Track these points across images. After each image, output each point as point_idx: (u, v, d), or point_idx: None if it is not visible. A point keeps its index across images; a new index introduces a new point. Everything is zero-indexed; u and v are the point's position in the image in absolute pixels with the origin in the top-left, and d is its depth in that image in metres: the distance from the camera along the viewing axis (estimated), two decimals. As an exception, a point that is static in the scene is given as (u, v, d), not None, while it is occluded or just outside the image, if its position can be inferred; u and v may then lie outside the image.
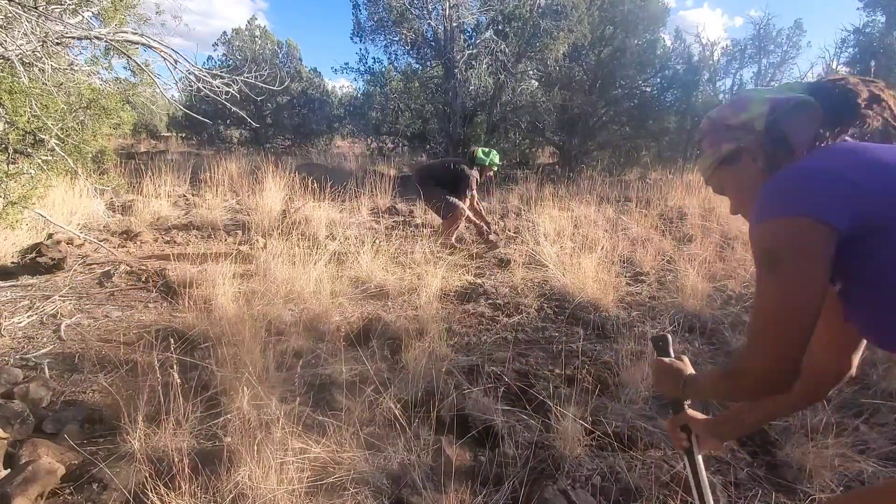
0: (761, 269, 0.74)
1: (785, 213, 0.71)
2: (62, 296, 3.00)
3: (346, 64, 12.45)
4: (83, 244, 4.05)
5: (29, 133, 3.37)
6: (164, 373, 1.79)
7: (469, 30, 9.05)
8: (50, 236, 3.99)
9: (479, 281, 3.57)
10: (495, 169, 4.92)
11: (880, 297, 0.72)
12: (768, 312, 0.74)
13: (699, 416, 1.09)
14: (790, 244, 0.71)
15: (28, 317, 2.73)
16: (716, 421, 1.08)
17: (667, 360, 1.05)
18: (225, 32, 13.09)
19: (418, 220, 5.55)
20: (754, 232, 0.76)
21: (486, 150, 4.84)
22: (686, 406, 1.10)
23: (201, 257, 3.46)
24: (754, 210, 0.76)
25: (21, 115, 3.12)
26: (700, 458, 1.08)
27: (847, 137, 0.83)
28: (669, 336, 1.13)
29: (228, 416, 1.78)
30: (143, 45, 3.39)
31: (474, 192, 4.75)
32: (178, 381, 1.63)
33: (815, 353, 0.92)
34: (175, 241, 4.55)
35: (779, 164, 0.82)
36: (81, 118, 3.71)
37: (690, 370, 1.02)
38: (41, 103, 3.26)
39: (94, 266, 3.69)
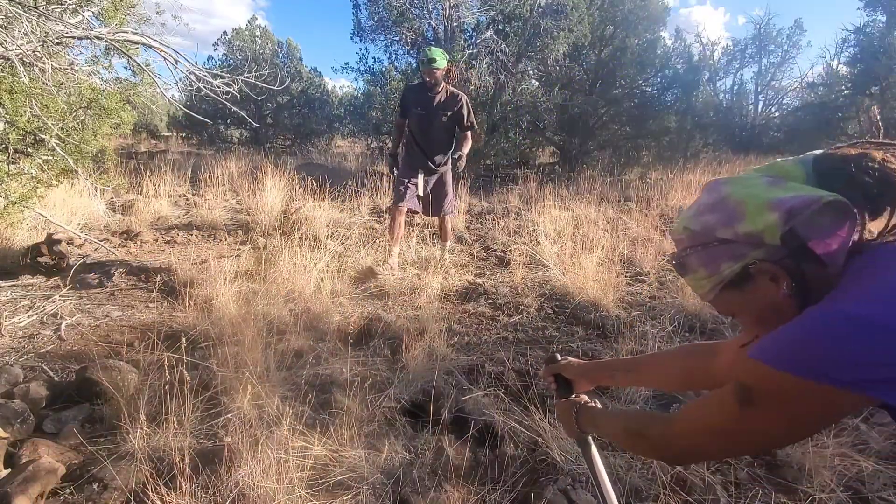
0: (733, 393, 0.63)
1: (797, 371, 0.57)
2: (62, 296, 3.00)
3: (347, 64, 12.43)
4: (83, 244, 4.06)
5: (29, 133, 3.37)
6: (164, 373, 1.79)
7: (469, 29, 9.05)
8: (50, 236, 4.00)
9: (479, 281, 3.57)
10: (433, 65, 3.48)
11: None
12: (709, 429, 0.67)
13: (575, 361, 1.11)
14: (780, 403, 0.59)
15: (28, 316, 2.73)
16: (590, 366, 1.10)
17: (563, 399, 1.05)
18: (225, 32, 13.09)
19: (418, 220, 5.55)
20: (748, 364, 0.62)
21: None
22: (560, 358, 1.13)
23: (201, 257, 3.46)
24: (766, 343, 0.61)
25: (21, 115, 3.12)
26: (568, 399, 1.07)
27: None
28: (557, 355, 1.15)
29: (229, 415, 1.78)
30: (143, 44, 3.39)
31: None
32: (188, 379, 1.63)
33: (729, 351, 0.89)
34: (175, 241, 4.55)
35: (812, 283, 0.64)
36: (82, 118, 3.71)
37: (586, 400, 1.01)
38: (41, 103, 3.27)
39: (95, 266, 3.69)
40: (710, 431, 0.67)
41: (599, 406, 0.99)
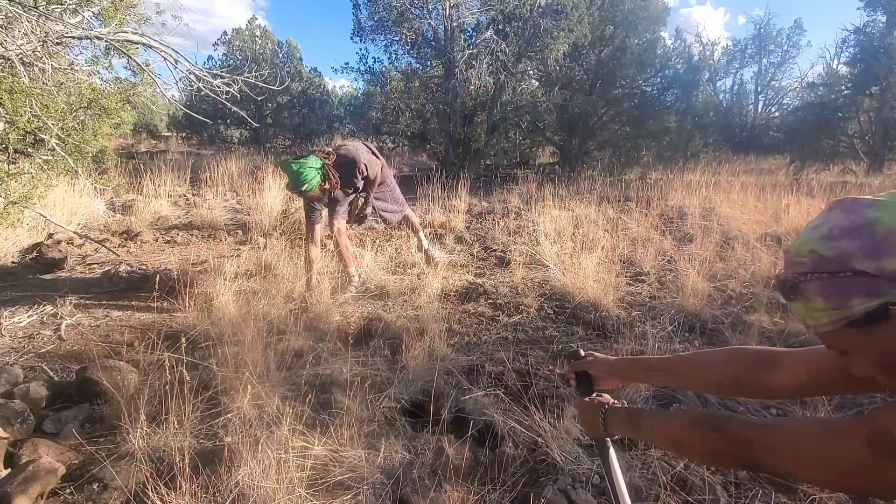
0: (867, 438, 0.58)
1: None
2: (62, 295, 3.00)
3: (347, 64, 12.42)
4: (83, 244, 4.06)
5: (29, 133, 3.37)
6: (164, 373, 1.79)
7: (469, 29, 9.05)
8: (50, 236, 4.00)
9: (479, 281, 3.57)
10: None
11: None
12: (828, 462, 0.61)
13: (601, 357, 1.06)
14: None
15: (28, 316, 2.73)
16: (622, 363, 1.04)
17: (587, 398, 1.00)
18: (225, 32, 13.08)
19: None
20: None
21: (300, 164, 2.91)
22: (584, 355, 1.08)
23: (201, 257, 3.46)
24: None
25: (21, 115, 3.12)
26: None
27: None
28: (580, 350, 1.09)
29: (229, 415, 1.78)
30: (143, 44, 3.39)
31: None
32: (188, 378, 1.63)
33: (795, 365, 0.84)
34: (175, 241, 4.55)
35: None
36: (82, 118, 3.71)
37: (612, 401, 0.96)
38: (41, 103, 3.27)
39: (95, 266, 3.69)
40: (822, 461, 0.61)
41: (629, 406, 0.95)
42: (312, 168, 2.90)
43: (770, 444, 0.65)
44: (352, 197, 3.37)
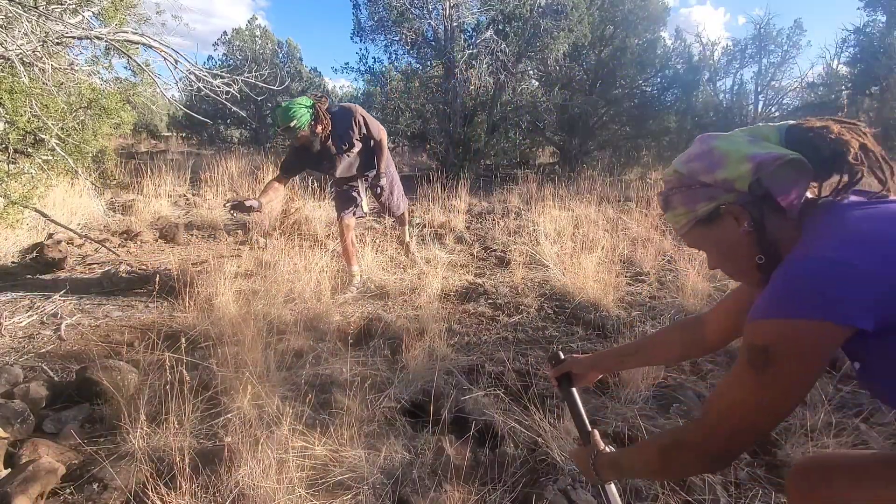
0: (749, 363, 0.71)
1: (801, 314, 0.66)
2: (62, 295, 3.00)
3: (347, 64, 12.44)
4: (83, 244, 4.06)
5: (29, 133, 3.37)
6: (164, 373, 1.79)
7: (469, 29, 9.05)
8: (50, 236, 4.00)
9: (479, 281, 3.57)
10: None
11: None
12: (741, 405, 0.72)
13: (580, 356, 1.21)
14: (795, 348, 0.67)
15: (28, 316, 2.73)
16: (599, 356, 1.20)
17: (576, 448, 1.10)
18: (225, 32, 13.10)
19: (418, 220, 5.55)
20: (754, 327, 0.71)
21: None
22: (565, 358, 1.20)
23: (201, 257, 3.46)
24: (763, 303, 0.71)
25: (21, 115, 3.13)
26: (574, 391, 1.16)
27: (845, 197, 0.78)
28: (560, 353, 1.17)
29: (229, 415, 1.78)
30: (143, 44, 3.39)
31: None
32: (188, 379, 1.62)
33: (715, 319, 1.03)
34: (175, 241, 4.55)
35: (768, 224, 0.78)
36: (82, 118, 3.71)
37: (601, 445, 1.04)
38: (41, 103, 3.27)
39: (95, 266, 3.69)
40: (743, 405, 0.71)
41: (614, 450, 1.01)
42: (302, 105, 2.81)
43: (714, 422, 0.75)
44: (353, 163, 3.12)
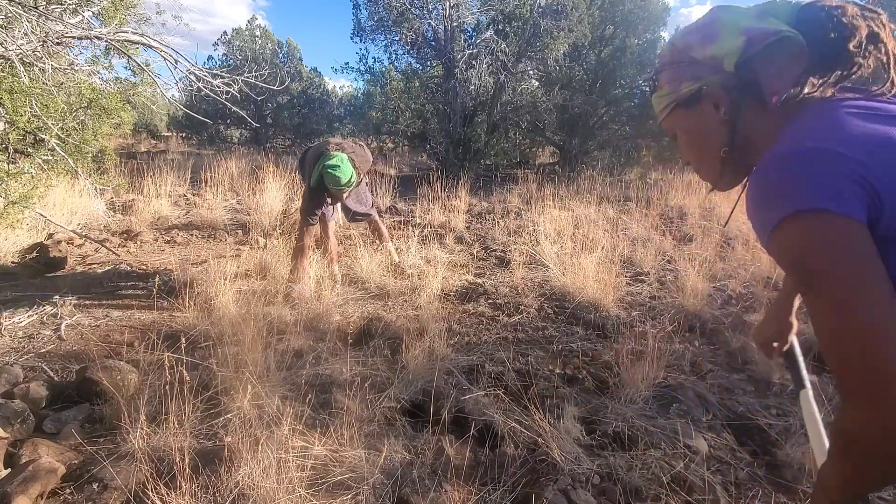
0: (804, 288, 0.59)
1: (800, 205, 0.57)
2: (62, 295, 3.00)
3: (347, 64, 12.43)
4: (83, 244, 4.06)
5: (29, 133, 3.37)
6: (164, 373, 1.79)
7: (469, 29, 9.05)
8: (50, 236, 4.00)
9: (479, 281, 3.57)
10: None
11: None
12: (848, 335, 0.54)
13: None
14: (820, 240, 0.56)
15: (28, 317, 2.73)
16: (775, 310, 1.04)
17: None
18: (225, 32, 13.08)
19: (418, 220, 5.55)
20: (772, 244, 0.61)
21: (335, 164, 3.00)
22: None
23: (202, 257, 3.46)
24: (762, 214, 0.62)
25: (21, 115, 3.12)
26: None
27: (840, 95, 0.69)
28: (796, 348, 1.00)
29: (229, 415, 1.78)
30: (143, 44, 3.39)
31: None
32: (188, 379, 1.62)
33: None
34: (175, 241, 4.55)
35: (744, 116, 0.72)
36: (82, 118, 3.71)
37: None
38: (41, 103, 3.27)
39: (95, 266, 3.69)
40: (849, 334, 0.54)
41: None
42: (345, 162, 3.03)
43: (849, 388, 0.56)
44: (360, 190, 3.53)
